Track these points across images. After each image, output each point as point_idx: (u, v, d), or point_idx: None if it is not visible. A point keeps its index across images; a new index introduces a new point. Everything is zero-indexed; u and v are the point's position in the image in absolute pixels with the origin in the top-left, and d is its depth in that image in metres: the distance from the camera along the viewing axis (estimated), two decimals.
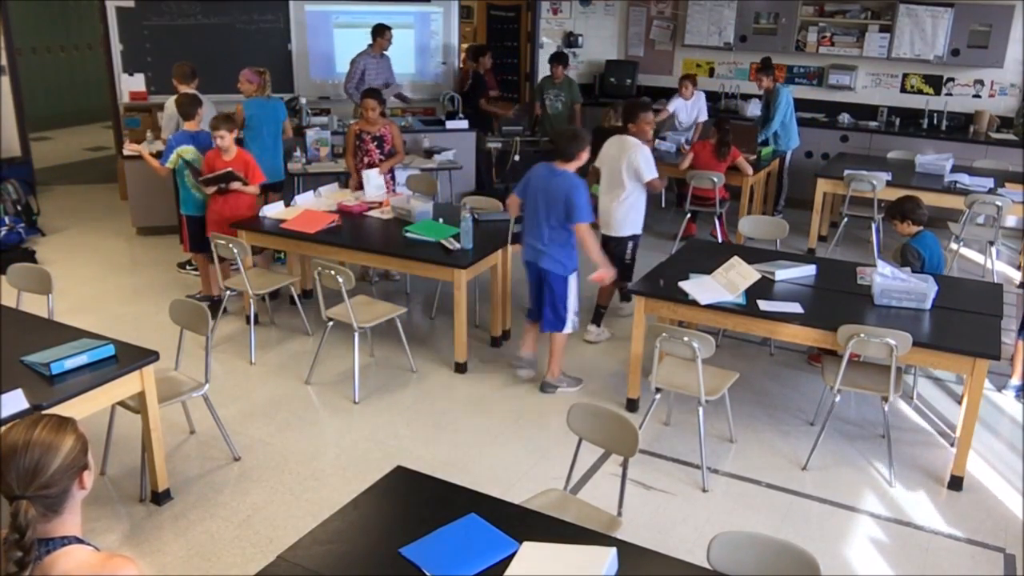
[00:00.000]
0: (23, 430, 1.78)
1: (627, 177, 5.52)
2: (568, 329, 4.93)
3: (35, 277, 4.68)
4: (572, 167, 4.75)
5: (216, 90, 7.50)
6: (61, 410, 3.30)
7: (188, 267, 6.82)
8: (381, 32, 7.94)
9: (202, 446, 4.42)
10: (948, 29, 8.36)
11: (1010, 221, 8.03)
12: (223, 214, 5.78)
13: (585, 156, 4.80)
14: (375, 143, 6.36)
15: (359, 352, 4.97)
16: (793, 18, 9.09)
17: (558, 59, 8.84)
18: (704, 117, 8.64)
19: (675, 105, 8.55)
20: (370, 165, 6.33)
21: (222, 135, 5.60)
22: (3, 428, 1.84)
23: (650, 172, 5.51)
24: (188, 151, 5.84)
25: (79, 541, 1.82)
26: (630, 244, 5.72)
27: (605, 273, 4.93)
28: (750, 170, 7.40)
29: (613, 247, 5.64)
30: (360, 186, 6.35)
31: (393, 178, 6.57)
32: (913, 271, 4.69)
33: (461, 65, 9.44)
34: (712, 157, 7.33)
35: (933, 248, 4.95)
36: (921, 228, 4.96)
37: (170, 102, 6.59)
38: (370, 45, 7.97)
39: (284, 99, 8.02)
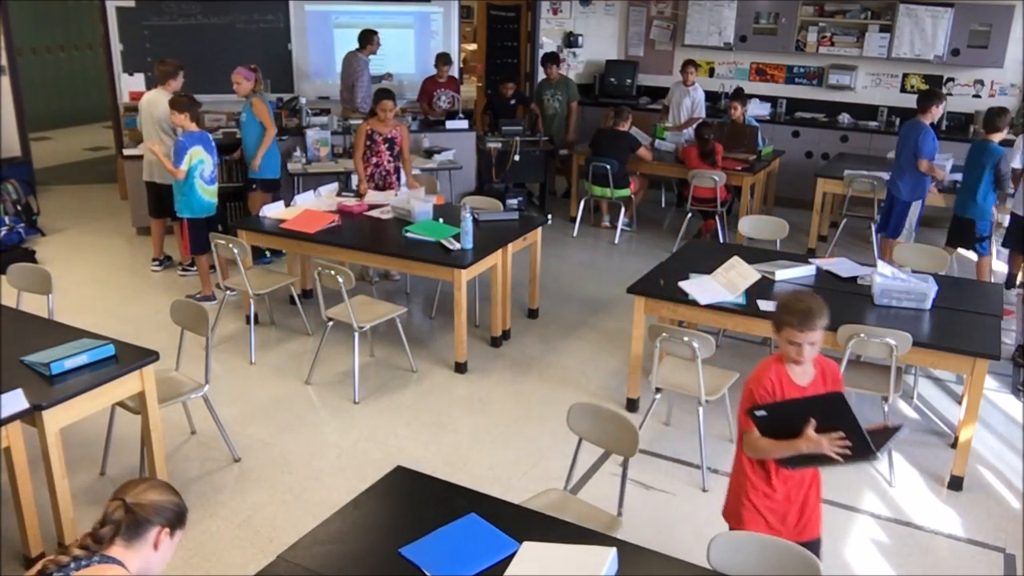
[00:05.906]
0: (152, 482, 2.19)
1: None
2: (901, 238, 6.49)
3: (35, 277, 4.68)
4: (927, 119, 6.27)
5: (215, 90, 7.52)
6: (61, 410, 3.32)
7: (154, 262, 6.88)
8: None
9: (202, 446, 4.42)
10: (948, 29, 8.36)
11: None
12: None
13: (936, 112, 6.25)
14: (386, 144, 6.31)
15: (359, 352, 4.96)
16: (793, 18, 9.08)
17: (549, 59, 8.85)
18: (701, 113, 8.63)
19: (675, 91, 8.74)
20: (378, 166, 6.32)
21: None
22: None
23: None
24: (198, 152, 5.82)
25: (123, 567, 2.06)
26: None
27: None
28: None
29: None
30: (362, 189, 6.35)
31: (397, 178, 6.57)
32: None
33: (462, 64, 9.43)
34: (701, 163, 7.37)
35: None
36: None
37: (145, 100, 6.51)
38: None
39: (284, 99, 8.07)
